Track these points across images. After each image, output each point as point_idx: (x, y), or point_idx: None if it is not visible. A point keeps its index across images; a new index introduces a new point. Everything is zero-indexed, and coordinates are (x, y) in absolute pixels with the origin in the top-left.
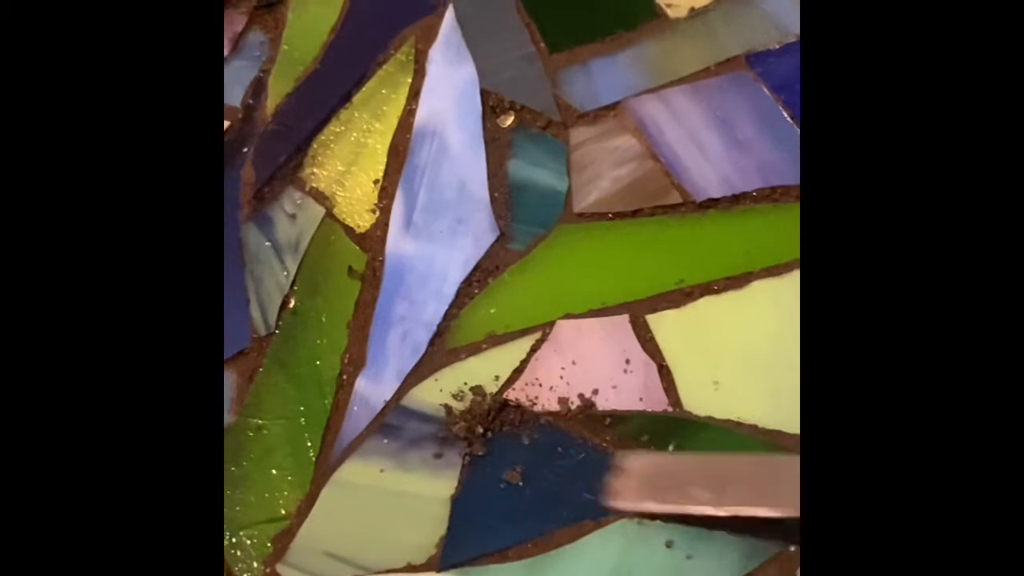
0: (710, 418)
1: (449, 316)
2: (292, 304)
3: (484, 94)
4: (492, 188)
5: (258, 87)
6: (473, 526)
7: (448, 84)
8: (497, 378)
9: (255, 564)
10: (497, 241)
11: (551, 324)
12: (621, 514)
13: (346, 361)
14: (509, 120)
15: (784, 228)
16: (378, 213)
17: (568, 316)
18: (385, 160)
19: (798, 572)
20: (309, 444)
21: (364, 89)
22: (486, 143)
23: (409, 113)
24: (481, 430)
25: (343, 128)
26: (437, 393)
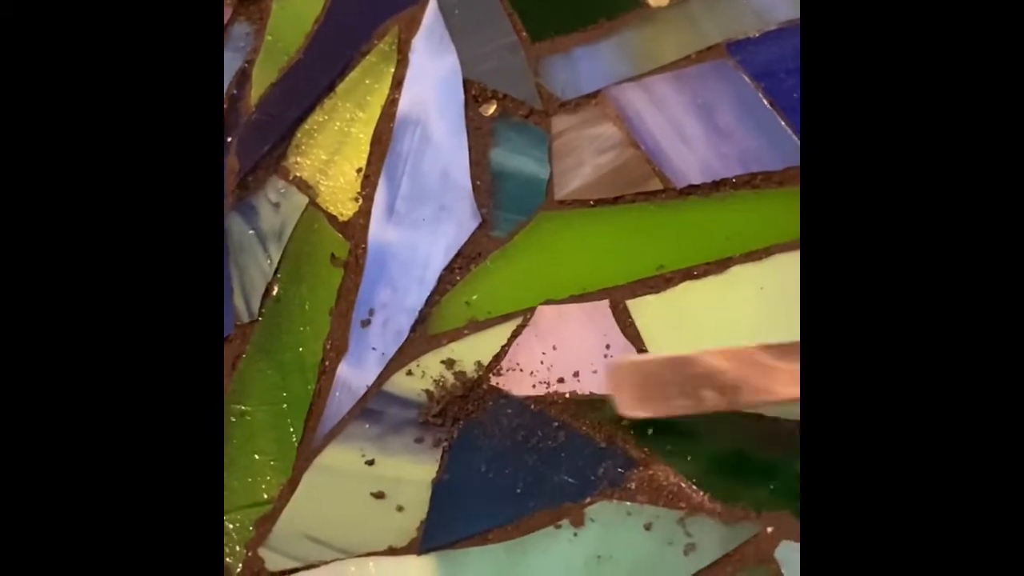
0: None
1: (431, 302)
2: (275, 291)
3: (467, 83)
4: (474, 176)
5: (242, 77)
6: (454, 510)
7: (431, 73)
8: (478, 363)
9: (238, 548)
10: (479, 228)
11: (532, 310)
12: (602, 495)
13: (328, 347)
14: (491, 109)
15: (764, 214)
16: (361, 201)
17: (549, 302)
18: (368, 149)
19: (775, 553)
20: (292, 429)
21: (348, 79)
22: (468, 132)
23: (392, 102)
24: (462, 414)
25: (327, 117)
26: (419, 379)
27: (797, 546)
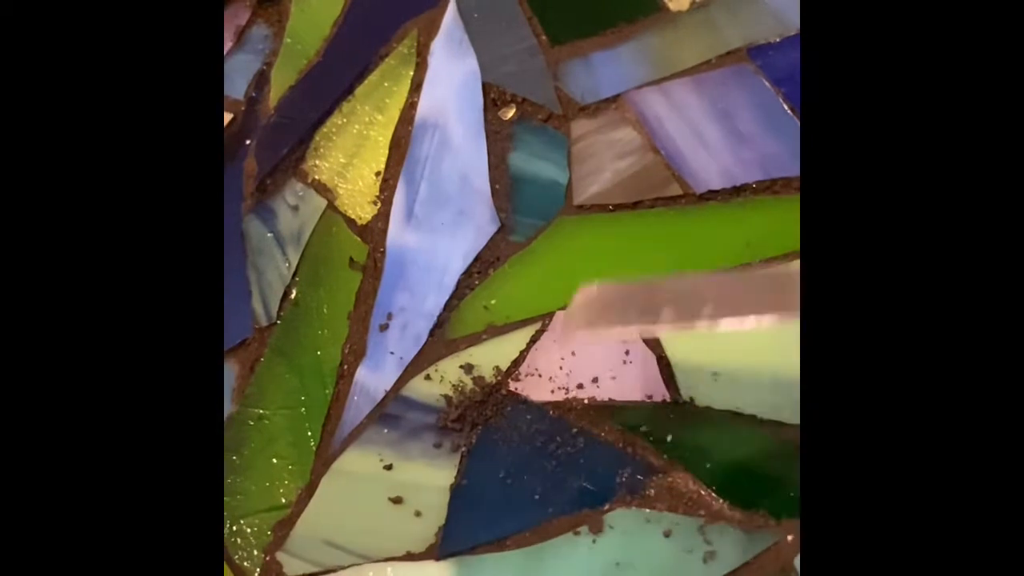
0: (709, 409)
1: (449, 307)
2: (294, 295)
3: (486, 87)
4: (493, 180)
5: (261, 80)
6: (472, 515)
7: (450, 77)
8: (497, 368)
9: (255, 552)
10: (498, 233)
11: (551, 315)
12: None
13: (347, 351)
14: (510, 113)
15: (784, 220)
16: (379, 205)
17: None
18: (387, 152)
19: (795, 561)
20: (310, 434)
21: (366, 82)
22: (487, 135)
23: (411, 105)
24: (480, 420)
25: (345, 120)
26: (437, 383)
27: None
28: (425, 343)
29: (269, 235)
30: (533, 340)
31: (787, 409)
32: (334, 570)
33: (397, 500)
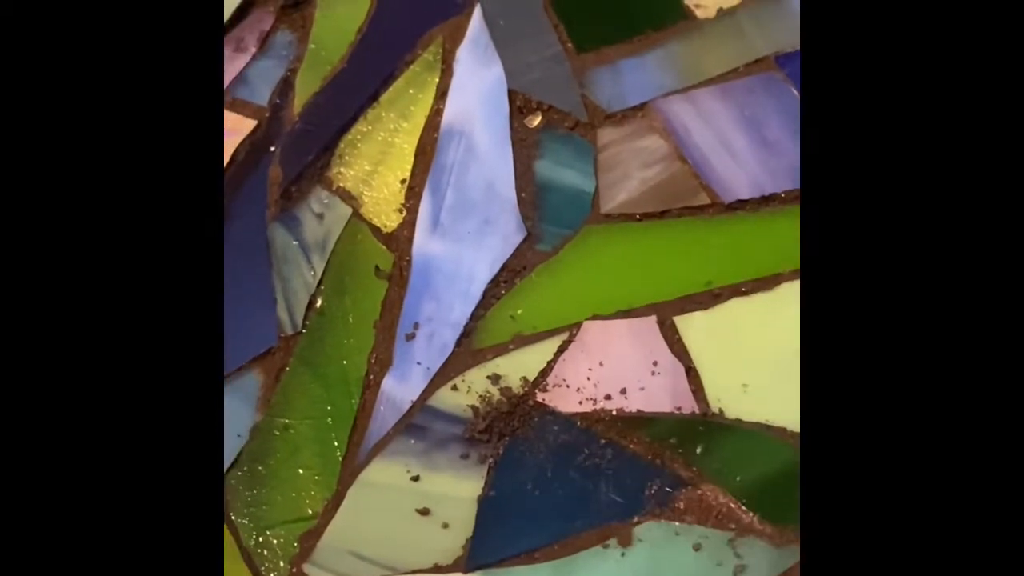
0: (739, 421)
1: (476, 316)
2: (319, 304)
3: (512, 94)
4: (519, 188)
5: (285, 86)
6: (500, 527)
7: (476, 84)
8: (524, 379)
9: (281, 563)
10: (524, 241)
11: (578, 325)
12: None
13: (373, 361)
14: (536, 120)
15: None
16: (405, 213)
17: (595, 317)
18: (412, 160)
19: None
20: (336, 444)
21: (391, 89)
22: (513, 143)
23: (436, 113)
24: (507, 431)
25: (370, 127)
26: (464, 394)
27: None
28: (451, 353)
29: (294, 243)
30: (560, 350)
31: None
32: None
33: (424, 511)
